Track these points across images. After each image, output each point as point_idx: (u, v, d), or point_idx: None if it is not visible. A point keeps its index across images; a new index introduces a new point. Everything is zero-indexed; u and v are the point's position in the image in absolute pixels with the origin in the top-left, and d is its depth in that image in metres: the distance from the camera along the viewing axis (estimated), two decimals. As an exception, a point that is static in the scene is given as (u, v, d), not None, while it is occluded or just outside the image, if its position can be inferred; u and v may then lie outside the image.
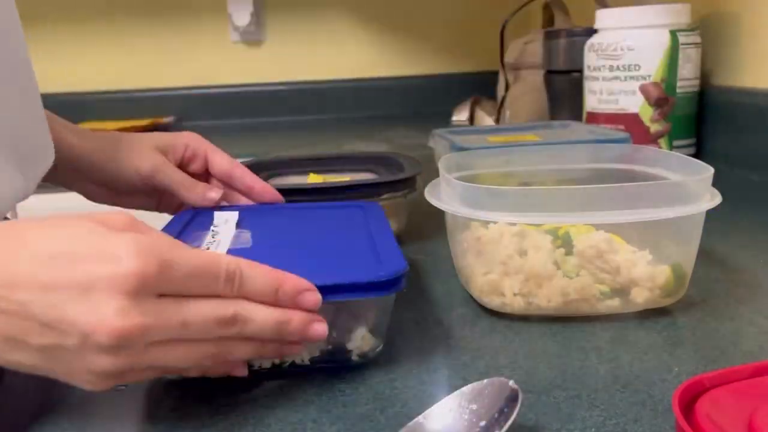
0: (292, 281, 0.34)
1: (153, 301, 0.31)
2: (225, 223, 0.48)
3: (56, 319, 0.29)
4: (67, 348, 0.30)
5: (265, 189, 0.56)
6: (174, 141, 0.57)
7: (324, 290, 0.35)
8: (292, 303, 0.34)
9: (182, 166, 0.57)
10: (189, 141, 0.57)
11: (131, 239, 0.30)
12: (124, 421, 0.35)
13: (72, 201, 0.62)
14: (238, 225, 0.48)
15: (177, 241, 0.34)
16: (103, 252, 0.30)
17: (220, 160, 0.57)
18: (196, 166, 0.57)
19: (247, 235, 0.46)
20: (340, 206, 0.54)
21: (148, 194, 0.58)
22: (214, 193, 0.54)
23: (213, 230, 0.46)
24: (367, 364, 0.39)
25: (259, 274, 0.34)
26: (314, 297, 0.35)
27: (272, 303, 0.34)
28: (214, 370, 0.35)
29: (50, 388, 0.45)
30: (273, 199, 0.56)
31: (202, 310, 0.32)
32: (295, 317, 0.34)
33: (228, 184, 0.57)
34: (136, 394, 0.37)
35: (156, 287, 0.31)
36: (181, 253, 0.32)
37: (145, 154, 0.55)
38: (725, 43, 0.92)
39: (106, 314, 0.29)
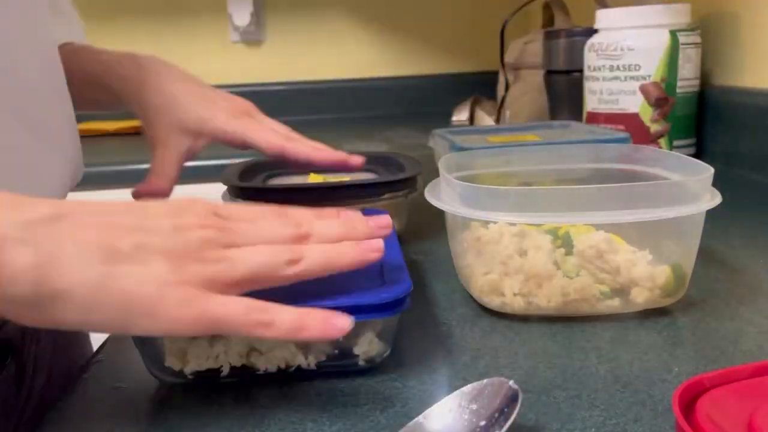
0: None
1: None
2: None
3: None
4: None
5: (328, 157, 0.59)
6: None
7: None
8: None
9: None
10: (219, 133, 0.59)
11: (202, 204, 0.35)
12: (125, 421, 0.35)
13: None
14: None
15: None
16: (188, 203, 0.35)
17: (267, 142, 0.59)
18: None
19: None
20: None
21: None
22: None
23: None
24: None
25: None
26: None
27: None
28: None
29: (50, 388, 0.45)
30: (337, 162, 0.59)
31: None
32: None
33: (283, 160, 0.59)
34: (137, 395, 0.37)
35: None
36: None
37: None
38: (725, 43, 0.92)
39: (201, 213, 0.33)
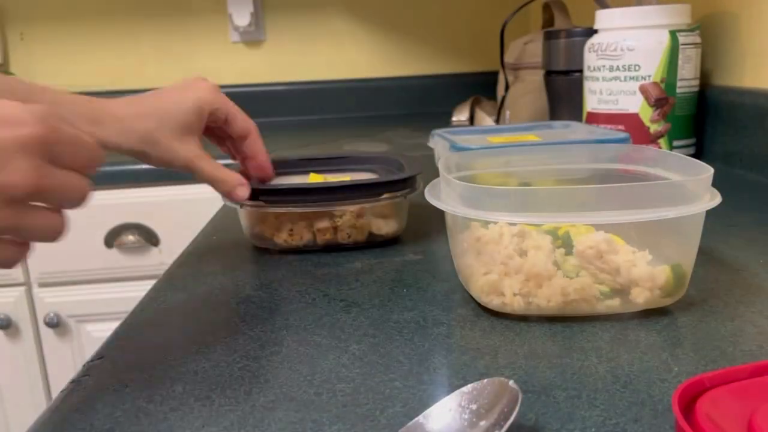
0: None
1: (49, 166, 0.33)
2: None
3: None
4: None
5: (262, 165, 0.62)
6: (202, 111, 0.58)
7: None
8: None
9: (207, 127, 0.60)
10: (217, 105, 0.58)
11: (30, 107, 0.33)
12: (125, 421, 0.35)
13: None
14: None
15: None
16: (7, 117, 0.32)
17: (242, 122, 0.60)
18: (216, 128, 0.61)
19: None
20: None
21: None
22: (243, 192, 0.58)
23: None
24: (367, 364, 0.39)
25: None
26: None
27: None
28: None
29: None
30: (263, 175, 0.63)
31: (75, 181, 0.35)
32: None
33: (240, 143, 0.61)
34: (135, 393, 0.38)
35: (50, 151, 0.33)
36: (67, 130, 0.35)
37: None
38: (725, 43, 0.92)
39: (19, 169, 0.31)
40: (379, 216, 0.62)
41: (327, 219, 0.60)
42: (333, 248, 0.62)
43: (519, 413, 0.31)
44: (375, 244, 0.62)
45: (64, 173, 0.34)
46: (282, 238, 0.61)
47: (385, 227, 0.62)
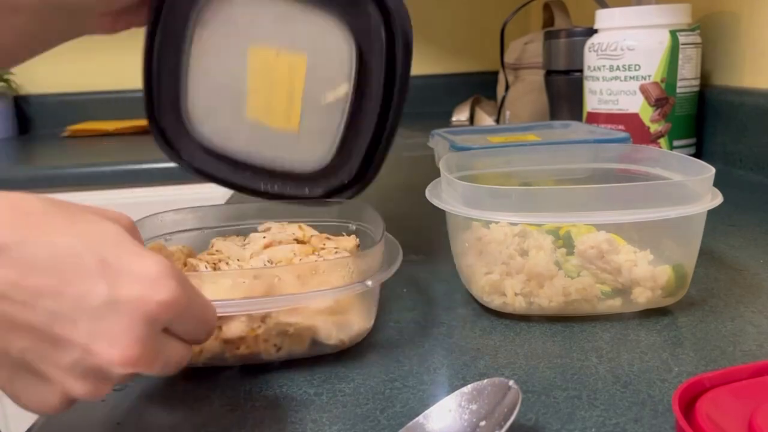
0: None
1: (161, 334, 0.28)
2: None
3: (61, 331, 0.26)
4: (50, 360, 0.26)
5: None
6: None
7: None
8: None
9: None
10: None
11: (164, 261, 0.27)
12: (124, 423, 0.35)
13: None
14: None
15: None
16: (136, 268, 0.27)
17: None
18: None
19: None
20: None
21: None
22: None
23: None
24: (367, 364, 0.39)
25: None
26: None
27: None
28: None
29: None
30: None
31: (181, 353, 0.30)
32: None
33: None
34: (135, 395, 0.37)
35: (170, 321, 0.28)
36: (195, 295, 0.30)
37: None
38: (725, 43, 0.92)
39: (122, 340, 0.26)
40: (329, 313, 0.39)
41: (241, 320, 0.38)
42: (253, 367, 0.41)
43: (519, 413, 0.31)
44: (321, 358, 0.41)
45: (172, 345, 0.29)
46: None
47: (338, 332, 0.40)
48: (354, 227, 0.51)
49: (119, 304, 0.26)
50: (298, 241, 0.47)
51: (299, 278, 0.37)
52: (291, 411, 0.35)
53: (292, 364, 0.40)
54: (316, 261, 0.42)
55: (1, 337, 0.25)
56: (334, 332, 0.39)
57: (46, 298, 0.25)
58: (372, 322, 0.42)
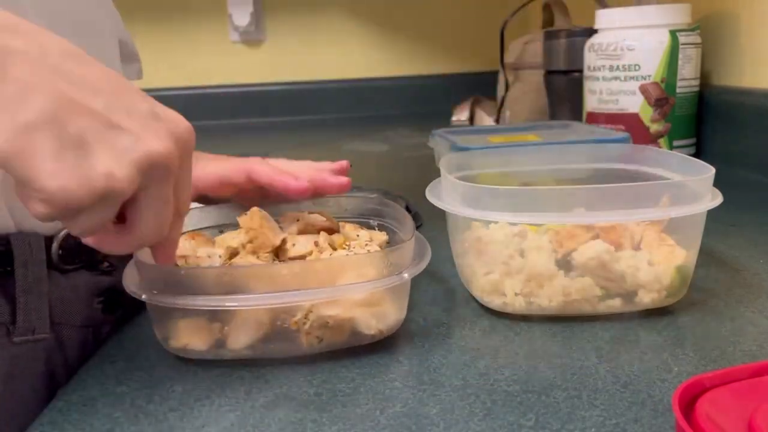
0: None
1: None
2: None
3: (118, 119, 0.31)
4: (107, 141, 0.30)
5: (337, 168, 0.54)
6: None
7: None
8: None
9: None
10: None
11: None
12: (125, 421, 0.35)
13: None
14: None
15: None
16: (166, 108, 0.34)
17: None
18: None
19: None
20: None
21: None
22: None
23: None
24: (367, 364, 0.39)
25: None
26: None
27: None
28: None
29: (48, 385, 0.45)
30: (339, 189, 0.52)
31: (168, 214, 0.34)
32: None
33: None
34: (135, 394, 0.37)
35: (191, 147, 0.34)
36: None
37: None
38: (725, 43, 0.92)
39: (164, 139, 0.32)
40: (366, 305, 0.40)
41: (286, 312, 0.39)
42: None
43: (519, 413, 0.31)
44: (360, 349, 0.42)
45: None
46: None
47: (377, 322, 0.41)
48: (375, 223, 0.52)
49: (160, 116, 0.33)
50: (328, 231, 0.49)
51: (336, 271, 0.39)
52: (291, 411, 0.35)
53: (292, 364, 0.40)
54: (352, 254, 0.44)
55: (61, 115, 0.29)
56: (373, 322, 0.40)
57: (104, 93, 0.31)
58: (405, 312, 0.43)
